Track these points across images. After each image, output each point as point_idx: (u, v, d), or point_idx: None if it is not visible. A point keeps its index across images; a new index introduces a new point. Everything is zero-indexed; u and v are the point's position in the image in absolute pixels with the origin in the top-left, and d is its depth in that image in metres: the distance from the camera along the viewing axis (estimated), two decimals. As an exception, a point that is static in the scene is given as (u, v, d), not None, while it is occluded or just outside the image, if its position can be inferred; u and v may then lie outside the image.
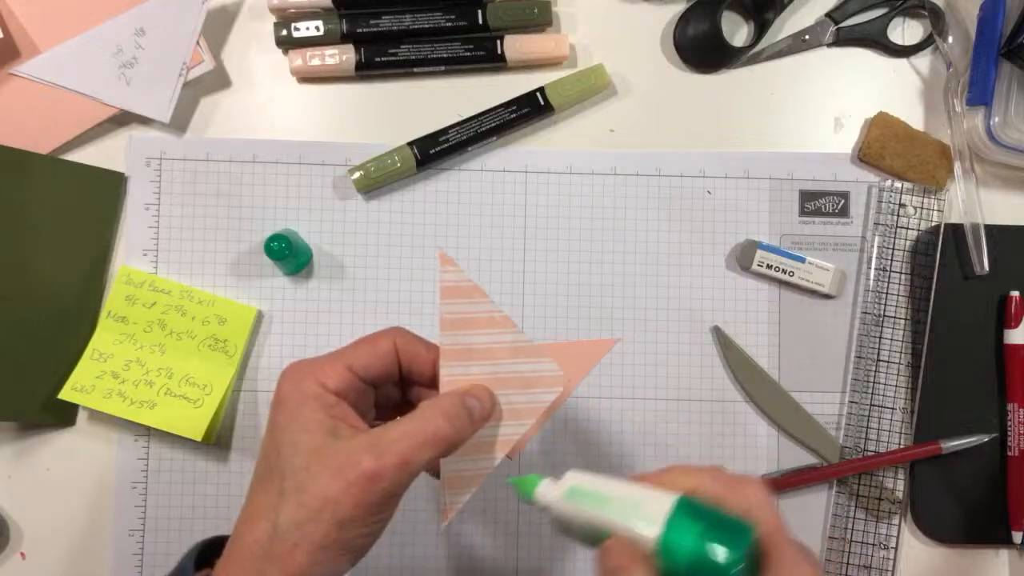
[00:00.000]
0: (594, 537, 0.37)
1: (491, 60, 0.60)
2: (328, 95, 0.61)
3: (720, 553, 0.33)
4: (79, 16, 0.58)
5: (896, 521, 0.60)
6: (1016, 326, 0.59)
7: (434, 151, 0.59)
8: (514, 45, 0.60)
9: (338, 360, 0.42)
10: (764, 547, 0.35)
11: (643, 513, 0.35)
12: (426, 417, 0.40)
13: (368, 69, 0.60)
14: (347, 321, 0.60)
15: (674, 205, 0.61)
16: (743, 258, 0.60)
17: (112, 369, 0.57)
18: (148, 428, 0.58)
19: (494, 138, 0.60)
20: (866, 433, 0.59)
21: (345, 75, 0.60)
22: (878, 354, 0.60)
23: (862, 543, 0.59)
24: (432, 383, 0.43)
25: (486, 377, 0.44)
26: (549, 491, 0.39)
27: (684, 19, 0.61)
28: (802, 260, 0.60)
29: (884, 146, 0.60)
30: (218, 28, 0.61)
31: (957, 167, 0.60)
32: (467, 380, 0.43)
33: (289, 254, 0.56)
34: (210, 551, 0.44)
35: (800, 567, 0.34)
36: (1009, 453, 0.59)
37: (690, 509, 0.35)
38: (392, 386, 0.45)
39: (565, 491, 0.38)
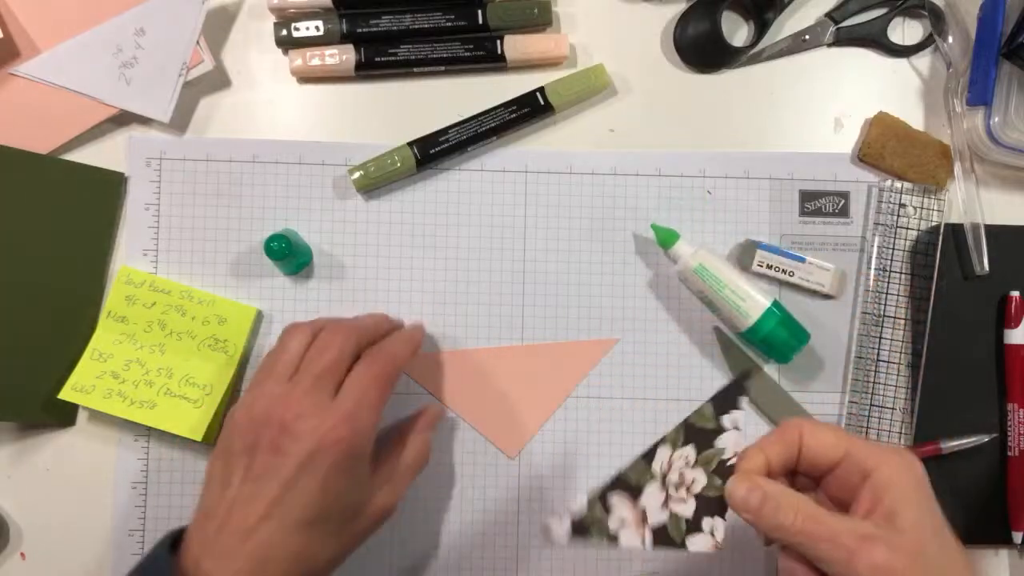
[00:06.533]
0: (703, 299, 0.59)
1: (491, 60, 0.60)
2: (328, 95, 0.61)
3: (793, 336, 0.57)
4: (79, 16, 0.58)
5: (896, 521, 0.59)
6: (1016, 326, 0.59)
7: (434, 151, 0.59)
8: (514, 45, 0.60)
9: (378, 410, 0.50)
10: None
11: (747, 305, 0.57)
12: (414, 454, 0.54)
13: (368, 69, 0.60)
14: (347, 321, 0.60)
15: (674, 205, 0.61)
16: (743, 258, 0.60)
17: (112, 369, 0.57)
18: (148, 428, 0.58)
19: (494, 138, 0.60)
20: (866, 433, 0.59)
21: (345, 75, 0.60)
22: (878, 354, 0.60)
23: (862, 543, 0.59)
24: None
25: None
26: (683, 253, 0.57)
27: (684, 19, 0.61)
28: (802, 260, 0.60)
29: (884, 146, 0.60)
30: (218, 28, 0.61)
31: (957, 167, 0.60)
32: None
33: (289, 254, 0.56)
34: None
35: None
36: (1009, 453, 0.59)
37: (778, 308, 0.57)
38: None
39: (696, 265, 0.57)
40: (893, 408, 0.60)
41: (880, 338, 0.60)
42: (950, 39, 0.61)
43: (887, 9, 0.62)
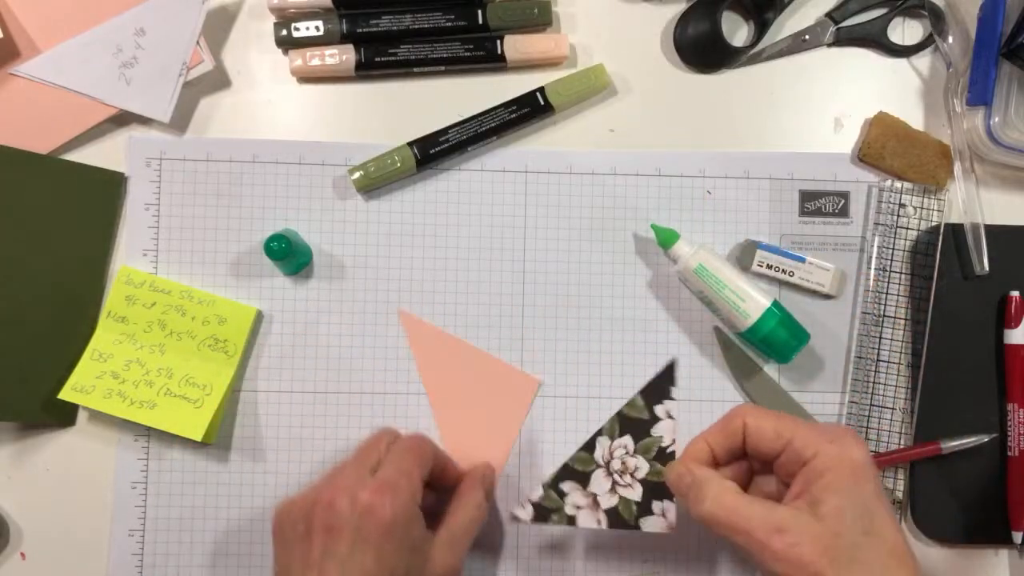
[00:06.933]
0: (703, 299, 0.58)
1: (491, 60, 0.60)
2: (328, 95, 0.61)
3: (793, 336, 0.57)
4: (79, 16, 0.58)
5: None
6: (1016, 326, 0.59)
7: (434, 151, 0.59)
8: (514, 45, 0.60)
9: (416, 478, 0.50)
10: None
11: (747, 305, 0.56)
12: (467, 513, 0.52)
13: (368, 69, 0.60)
14: (347, 321, 0.60)
15: (674, 205, 0.61)
16: (743, 258, 0.60)
17: (112, 369, 0.57)
18: (148, 428, 0.58)
19: (494, 138, 0.60)
20: (866, 433, 0.59)
21: (345, 75, 0.60)
22: (878, 354, 0.60)
23: (862, 543, 0.59)
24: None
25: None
26: (683, 253, 0.57)
27: (684, 19, 0.61)
28: (802, 260, 0.60)
29: (884, 146, 0.60)
30: (218, 28, 0.61)
31: (957, 167, 0.60)
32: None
33: (289, 254, 0.56)
34: None
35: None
36: (1009, 453, 0.59)
37: (778, 308, 0.56)
38: None
39: (696, 265, 0.56)
40: (893, 408, 0.60)
41: (880, 338, 0.60)
42: (950, 39, 0.61)
43: (887, 9, 0.62)
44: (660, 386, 0.52)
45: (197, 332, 0.58)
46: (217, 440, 0.59)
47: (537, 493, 0.52)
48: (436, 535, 0.50)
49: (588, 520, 0.51)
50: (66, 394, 0.56)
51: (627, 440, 0.51)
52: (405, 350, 0.60)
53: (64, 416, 0.59)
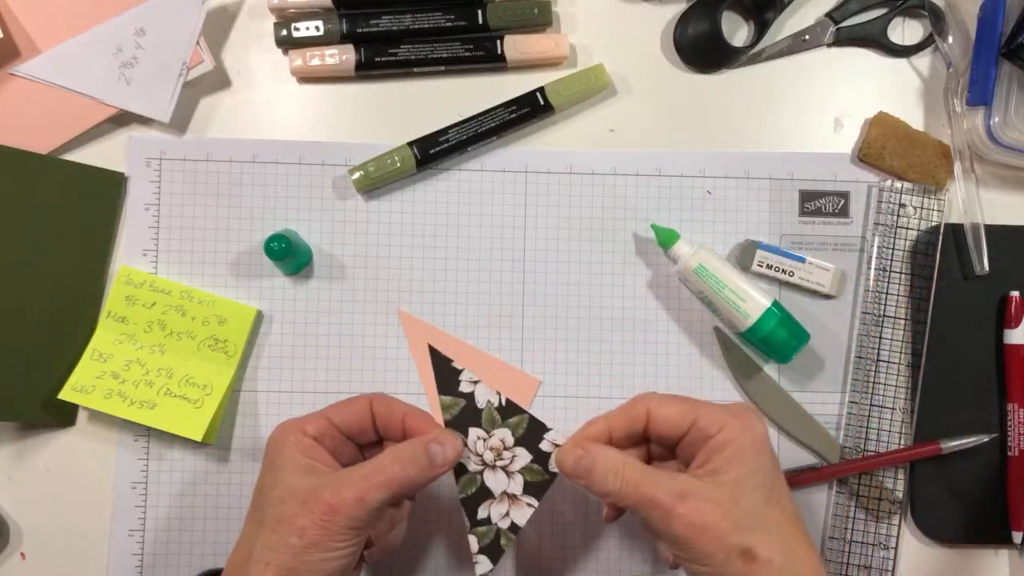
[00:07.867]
0: (702, 299, 0.59)
1: (491, 60, 0.60)
2: (328, 95, 0.61)
3: (793, 336, 0.57)
4: (79, 16, 0.58)
5: (896, 521, 0.60)
6: (1016, 326, 0.59)
7: (434, 151, 0.59)
8: (514, 45, 0.60)
9: (319, 413, 0.49)
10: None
11: (747, 305, 0.56)
12: (383, 463, 0.46)
13: (368, 69, 0.60)
14: (347, 321, 0.60)
15: (674, 205, 0.61)
16: (743, 258, 0.60)
17: (112, 369, 0.57)
18: (148, 428, 0.58)
19: (494, 138, 0.60)
20: (866, 433, 0.59)
21: (345, 75, 0.60)
22: (878, 354, 0.60)
23: (862, 543, 0.59)
24: (403, 439, 0.49)
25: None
26: (683, 253, 0.57)
27: (684, 19, 0.61)
28: (802, 260, 0.60)
29: (884, 146, 0.60)
30: (218, 28, 0.61)
31: (957, 167, 0.60)
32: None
33: (289, 254, 0.56)
34: None
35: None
36: (1009, 453, 0.59)
37: (778, 308, 0.57)
38: (376, 446, 0.51)
39: (696, 265, 0.57)
40: (893, 408, 0.60)
41: (880, 338, 0.60)
42: (950, 39, 0.61)
43: (887, 9, 0.62)
44: (444, 374, 0.54)
45: (197, 332, 0.58)
46: (217, 440, 0.59)
47: (473, 543, 0.50)
48: (339, 471, 0.46)
49: (522, 515, 0.50)
50: (66, 394, 0.56)
51: (475, 432, 0.52)
52: (405, 350, 0.60)
53: (64, 416, 0.59)
